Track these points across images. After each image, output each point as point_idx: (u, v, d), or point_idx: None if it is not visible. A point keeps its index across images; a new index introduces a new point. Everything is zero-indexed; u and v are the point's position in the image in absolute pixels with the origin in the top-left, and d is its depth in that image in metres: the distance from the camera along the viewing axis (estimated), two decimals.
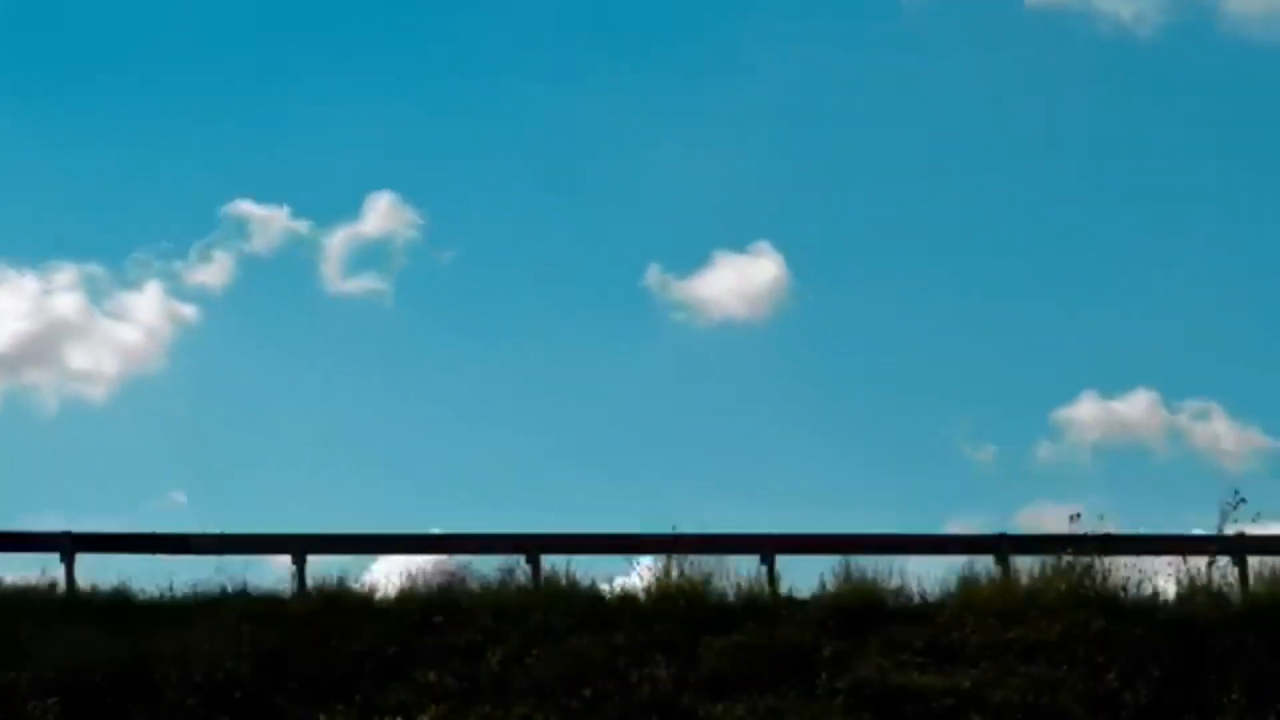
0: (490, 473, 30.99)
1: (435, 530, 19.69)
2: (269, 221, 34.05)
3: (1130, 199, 34.97)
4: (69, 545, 18.36)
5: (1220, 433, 32.17)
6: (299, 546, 18.50)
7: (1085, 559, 18.33)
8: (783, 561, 18.71)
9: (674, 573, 18.46)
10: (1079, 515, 19.09)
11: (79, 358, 34.18)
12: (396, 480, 30.28)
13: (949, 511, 31.76)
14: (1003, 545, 18.80)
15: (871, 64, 36.18)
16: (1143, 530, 19.18)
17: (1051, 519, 28.78)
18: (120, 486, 30.29)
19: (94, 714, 16.25)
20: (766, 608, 18.15)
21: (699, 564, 18.53)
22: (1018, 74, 36.19)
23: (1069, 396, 33.62)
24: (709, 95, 35.41)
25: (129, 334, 34.00)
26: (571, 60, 35.95)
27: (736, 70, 35.77)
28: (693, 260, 36.68)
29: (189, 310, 33.87)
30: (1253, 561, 18.60)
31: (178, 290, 34.12)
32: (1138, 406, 32.73)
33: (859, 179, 35.61)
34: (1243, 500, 19.19)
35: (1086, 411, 32.70)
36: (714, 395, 33.08)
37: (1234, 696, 16.55)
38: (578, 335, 33.68)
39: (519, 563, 18.64)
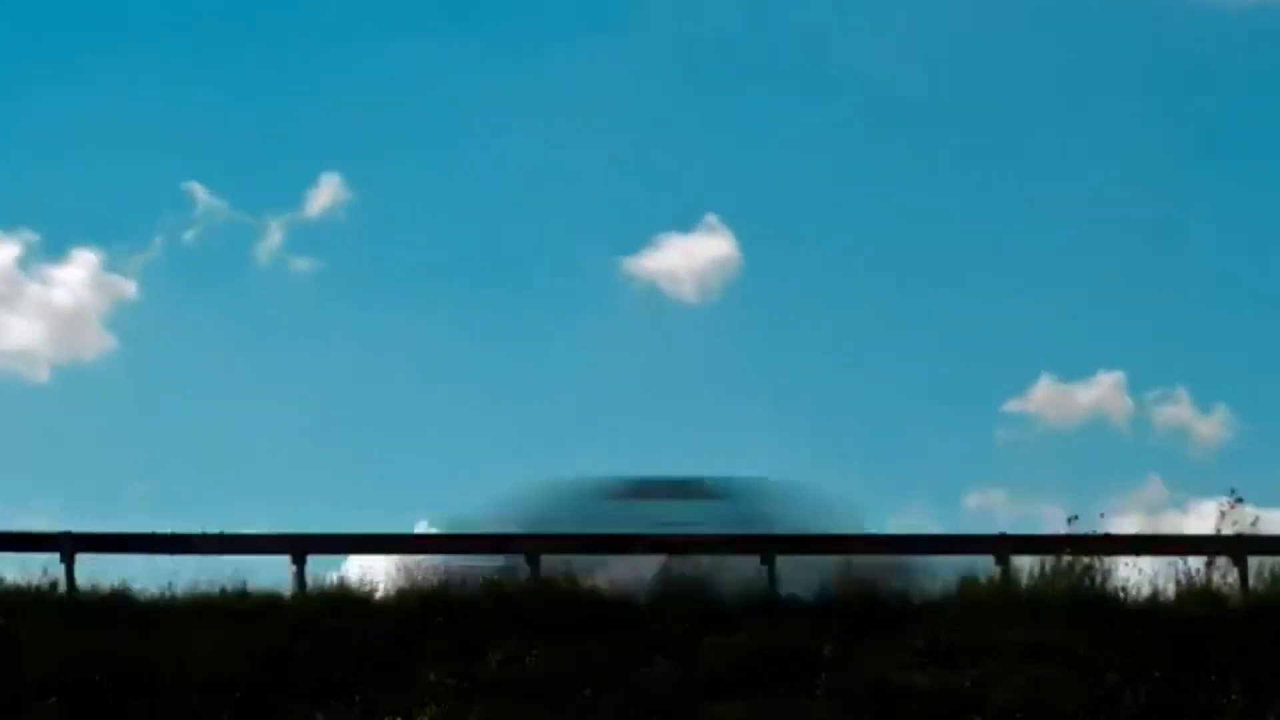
0: (447, 456, 30.98)
1: (424, 526, 19.75)
2: (213, 201, 33.76)
3: (1083, 170, 34.63)
4: (69, 545, 18.36)
5: (1186, 416, 32.02)
6: (299, 546, 18.50)
7: (1085, 559, 18.37)
8: (782, 561, 18.70)
9: (674, 573, 18.48)
10: (1076, 516, 19.20)
11: (13, 333, 33.79)
12: (359, 463, 30.28)
13: (902, 497, 31.68)
14: (1002, 545, 18.79)
15: (770, 20, 35.77)
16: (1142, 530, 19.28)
17: (999, 504, 28.94)
18: (75, 477, 30.01)
19: (94, 714, 16.26)
20: (766, 608, 18.15)
21: (699, 564, 18.56)
22: (945, 30, 35.72)
23: (1027, 380, 33.50)
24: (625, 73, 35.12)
25: (65, 310, 33.58)
26: (496, 41, 35.76)
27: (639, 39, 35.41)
28: (639, 240, 36.33)
29: (129, 287, 33.56)
30: (1252, 561, 18.61)
31: (117, 266, 33.82)
32: (1101, 389, 32.52)
33: (796, 150, 35.24)
34: (1239, 500, 19.32)
35: (1044, 395, 32.51)
36: (660, 378, 32.91)
37: (1234, 697, 16.52)
38: (528, 317, 33.51)
39: (519, 563, 18.63)
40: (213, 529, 18.81)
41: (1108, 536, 18.70)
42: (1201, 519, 23.34)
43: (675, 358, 33.77)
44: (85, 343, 33.93)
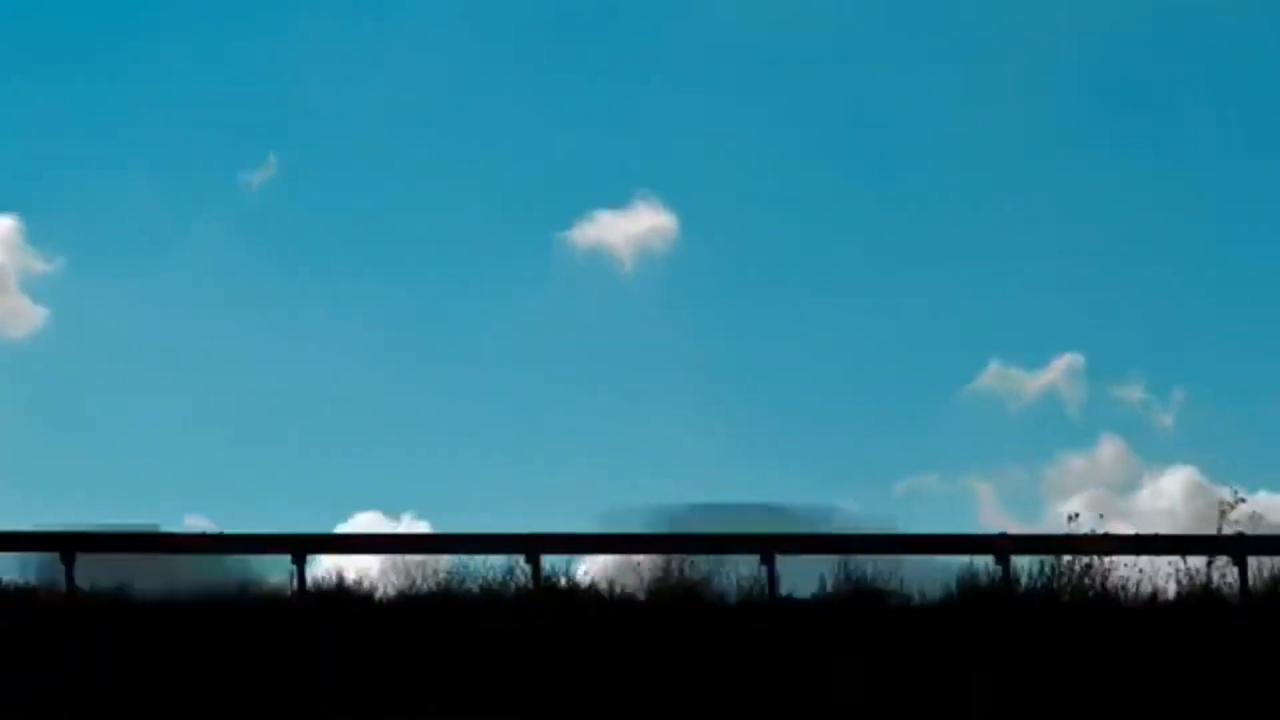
0: (402, 441, 30.74)
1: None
2: (149, 176, 33.27)
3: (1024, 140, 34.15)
4: (69, 545, 18.31)
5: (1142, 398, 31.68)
6: (299, 546, 18.46)
7: (1085, 559, 18.40)
8: (782, 561, 18.69)
9: (674, 573, 18.49)
10: (1077, 515, 19.25)
11: None
12: (300, 448, 30.07)
13: (835, 484, 31.32)
14: (1002, 545, 18.78)
15: None
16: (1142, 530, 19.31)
17: (932, 485, 28.79)
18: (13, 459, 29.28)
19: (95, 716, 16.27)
20: (766, 608, 18.15)
21: (699, 564, 18.58)
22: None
23: (975, 364, 33.06)
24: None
25: None
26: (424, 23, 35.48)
27: None
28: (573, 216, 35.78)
29: (58, 260, 32.97)
30: (1252, 561, 18.62)
31: (42, 238, 33.26)
32: (1054, 374, 32.11)
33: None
34: (1241, 500, 19.39)
35: (993, 379, 32.13)
36: (592, 360, 32.56)
37: (1233, 697, 16.57)
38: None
39: (519, 563, 18.62)
40: (151, 516, 18.77)
41: (1107, 536, 18.71)
42: (1155, 496, 23.34)
43: (608, 337, 33.32)
44: (18, 317, 33.14)
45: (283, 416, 31.57)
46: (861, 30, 34.57)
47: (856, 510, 19.42)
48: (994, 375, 31.80)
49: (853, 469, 29.99)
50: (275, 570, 18.47)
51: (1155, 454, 32.26)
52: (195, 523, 20.18)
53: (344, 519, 25.55)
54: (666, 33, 34.49)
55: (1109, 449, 30.81)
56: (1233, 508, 19.24)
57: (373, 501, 28.31)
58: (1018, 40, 33.78)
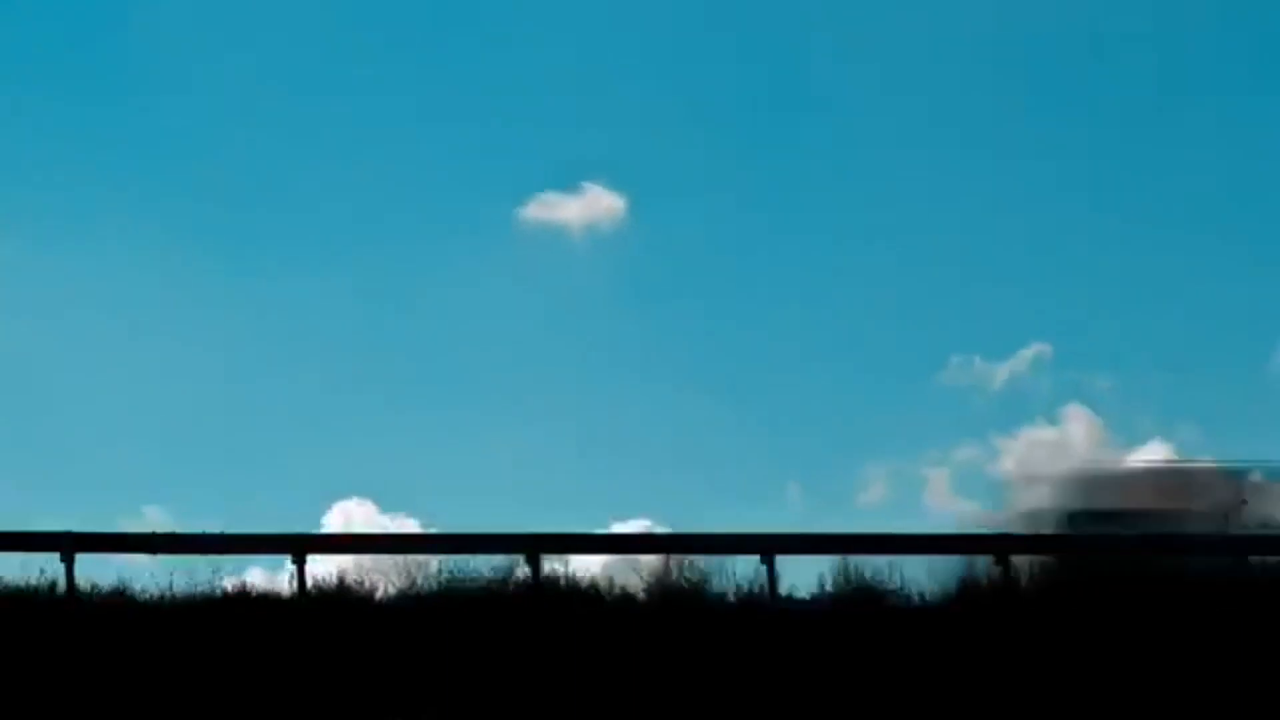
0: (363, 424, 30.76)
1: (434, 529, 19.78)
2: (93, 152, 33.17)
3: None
4: (69, 545, 18.37)
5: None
6: (299, 546, 18.51)
7: (1084, 558, 18.43)
8: (782, 561, 18.72)
9: (674, 573, 18.52)
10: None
11: None
12: (258, 434, 30.11)
13: (795, 473, 31.39)
14: (1002, 545, 18.81)
15: None
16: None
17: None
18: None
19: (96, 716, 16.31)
20: (766, 608, 18.17)
21: (699, 564, 18.60)
22: None
23: (942, 355, 33.02)
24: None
25: None
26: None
27: None
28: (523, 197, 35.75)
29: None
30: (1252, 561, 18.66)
31: None
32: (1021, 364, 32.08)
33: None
34: (1244, 502, 19.38)
35: (960, 370, 32.09)
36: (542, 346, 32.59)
37: (1233, 696, 16.58)
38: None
39: (519, 563, 18.65)
40: (108, 507, 18.82)
41: (1107, 536, 18.74)
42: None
43: (563, 313, 33.34)
44: None
45: (244, 404, 31.59)
46: (823, 14, 34.60)
47: None
48: (960, 365, 31.88)
49: (809, 451, 30.04)
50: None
51: (1125, 433, 32.29)
52: (152, 514, 20.14)
53: (327, 510, 25.57)
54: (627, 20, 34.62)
55: (1077, 428, 30.84)
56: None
57: (354, 490, 28.28)
58: (989, 30, 33.88)
